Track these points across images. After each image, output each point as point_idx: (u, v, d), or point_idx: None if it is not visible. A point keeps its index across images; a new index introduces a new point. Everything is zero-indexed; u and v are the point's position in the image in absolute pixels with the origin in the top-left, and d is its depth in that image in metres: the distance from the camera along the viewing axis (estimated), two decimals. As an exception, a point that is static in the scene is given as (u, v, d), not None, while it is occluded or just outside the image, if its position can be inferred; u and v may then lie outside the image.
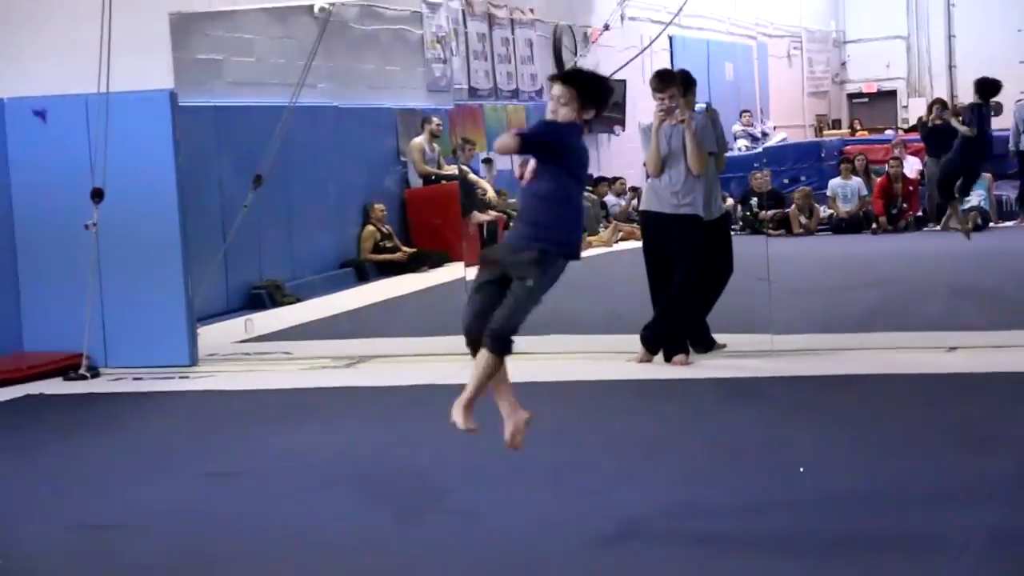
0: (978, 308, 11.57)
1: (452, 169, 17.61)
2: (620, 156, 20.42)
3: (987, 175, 19.39)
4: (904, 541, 5.43)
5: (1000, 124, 22.42)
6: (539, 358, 10.20)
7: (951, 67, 30.18)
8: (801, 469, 6.57)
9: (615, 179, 20.83)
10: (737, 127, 24.49)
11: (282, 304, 14.18)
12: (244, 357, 11.13)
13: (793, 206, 19.85)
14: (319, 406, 9.07)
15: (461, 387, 9.43)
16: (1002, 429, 7.29)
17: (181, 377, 10.31)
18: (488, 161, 18.82)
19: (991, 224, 19.14)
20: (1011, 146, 19.91)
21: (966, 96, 28.51)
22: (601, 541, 5.66)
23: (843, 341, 10.14)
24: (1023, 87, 20.19)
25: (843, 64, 31.30)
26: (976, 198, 19.13)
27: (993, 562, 5.14)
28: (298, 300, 14.45)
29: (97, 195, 10.46)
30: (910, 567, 5.11)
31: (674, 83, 9.65)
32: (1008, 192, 19.88)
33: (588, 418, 8.31)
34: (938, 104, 21.02)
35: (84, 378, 10.35)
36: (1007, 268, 14.21)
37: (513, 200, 18.72)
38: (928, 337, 10.05)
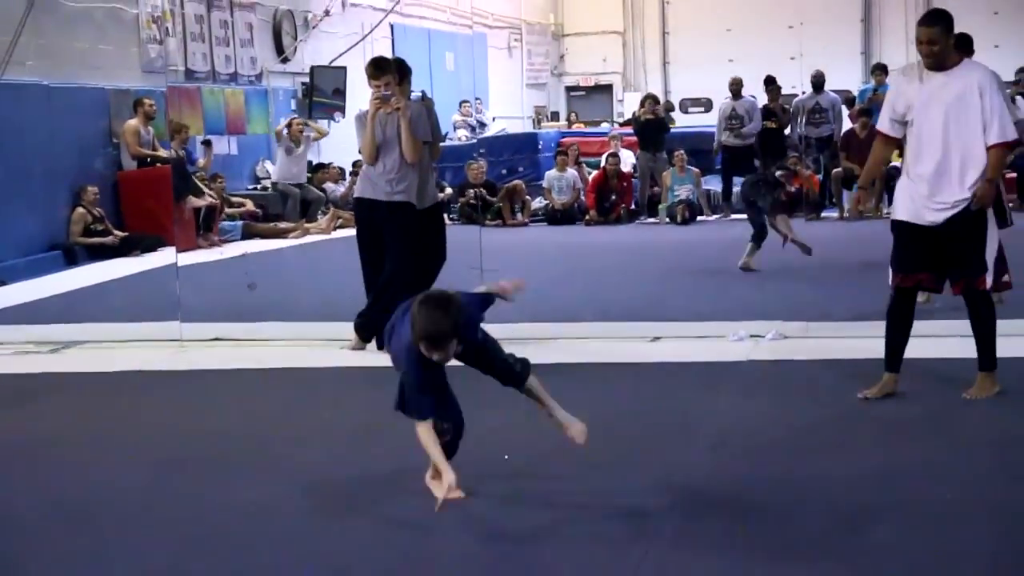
0: (682, 299, 11.96)
1: (168, 152, 17.34)
2: (339, 142, 20.38)
3: (695, 170, 20.09)
4: (603, 522, 5.58)
5: (709, 120, 23.25)
6: (255, 345, 10.15)
7: (665, 63, 31.07)
8: (506, 456, 6.68)
9: (327, 165, 20.81)
10: (456, 117, 24.71)
11: (-16, 287, 13.77)
12: (-58, 342, 10.74)
13: (505, 199, 20.15)
14: (21, 393, 8.82)
15: (169, 373, 9.34)
16: (699, 417, 7.55)
17: None
18: (207, 143, 18.59)
19: (699, 217, 19.80)
20: (715, 143, 20.66)
21: (679, 92, 29.51)
22: (317, 522, 5.66)
23: (551, 330, 10.33)
24: (728, 85, 20.90)
25: (561, 57, 31.90)
26: (685, 192, 19.77)
27: (682, 548, 5.32)
28: (3, 283, 14.05)
29: None
30: (597, 560, 5.24)
31: (389, 71, 9.69)
32: (715, 186, 20.60)
33: (301, 405, 8.29)
34: (650, 99, 21.64)
35: None
36: (710, 260, 14.70)
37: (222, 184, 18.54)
38: (634, 327, 10.32)
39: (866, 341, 8.65)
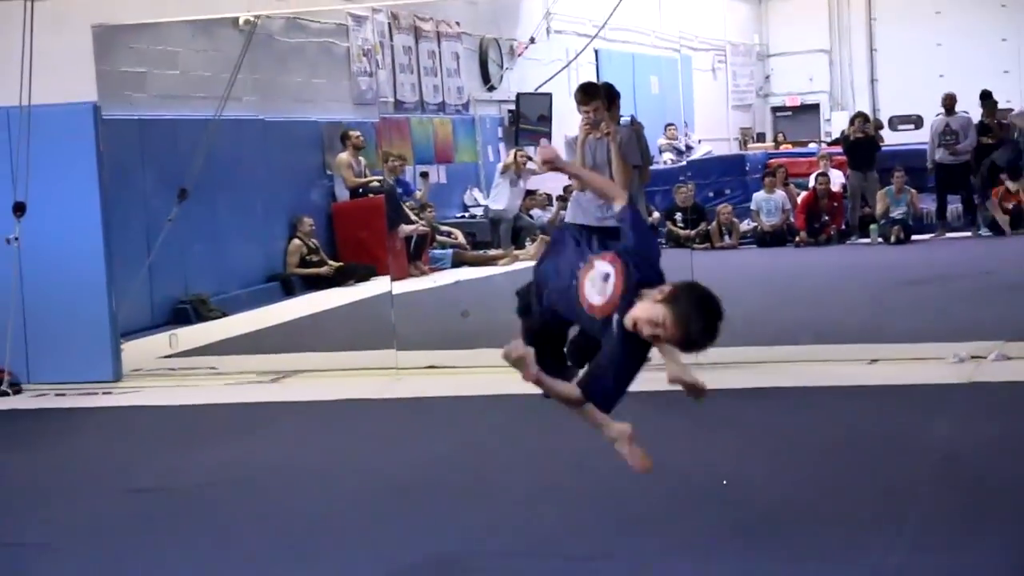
0: (899, 320, 11.71)
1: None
2: (546, 169, 20.43)
3: (913, 191, 19.68)
4: (827, 553, 5.48)
5: (920, 138, 22.76)
6: (468, 372, 10.22)
7: (872, 81, 30.52)
8: (724, 482, 6.61)
9: (533, 192, 20.88)
10: (662, 140, 24.61)
11: (207, 318, 14.11)
12: (169, 372, 11.05)
13: (715, 223, 20.03)
14: (244, 421, 9.03)
15: (385, 401, 9.47)
16: (920, 441, 7.37)
17: (104, 393, 10.23)
18: (425, 175, 18.86)
19: (913, 236, 19.38)
20: (928, 162, 20.18)
21: (887, 110, 28.95)
22: (532, 548, 5.66)
23: (767, 354, 10.21)
24: (941, 101, 20.43)
25: (767, 78, 31.56)
26: (899, 213, 19.40)
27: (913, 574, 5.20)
28: (224, 314, 14.37)
29: (19, 209, 10.37)
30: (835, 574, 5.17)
31: (598, 96, 9.68)
32: (929, 205, 20.13)
33: (515, 432, 8.32)
34: (860, 118, 21.27)
35: (6, 394, 10.25)
36: (926, 281, 14.38)
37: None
38: (850, 349, 10.15)
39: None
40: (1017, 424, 7.62)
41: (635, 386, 5.49)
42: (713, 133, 27.76)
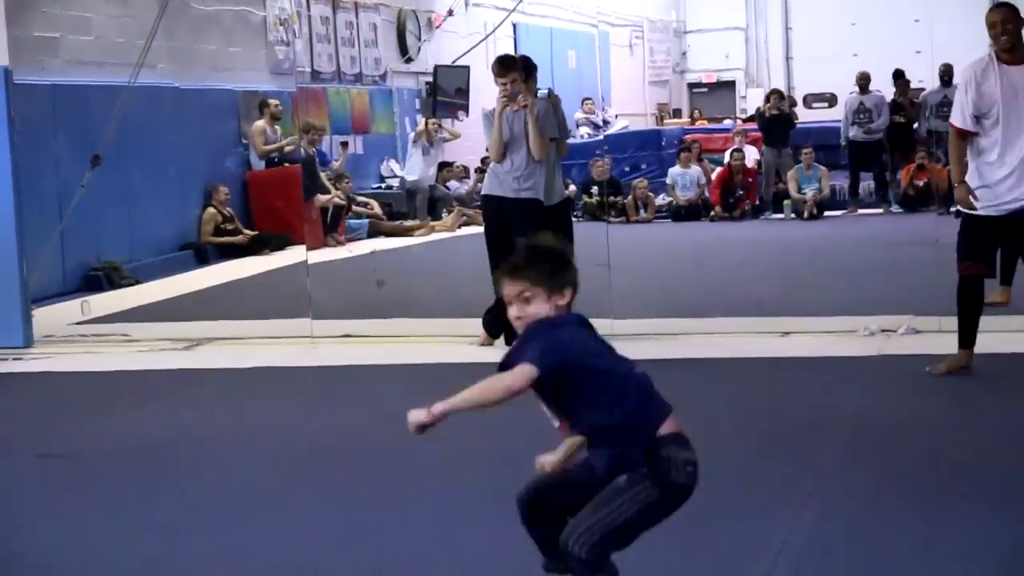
0: (811, 294, 11.85)
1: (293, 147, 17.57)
2: (464, 141, 20.48)
3: (823, 168, 19.90)
4: (737, 521, 5.55)
5: (833, 116, 22.97)
6: (383, 341, 10.24)
7: (788, 59, 30.74)
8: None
9: (451, 164, 20.90)
10: (579, 114, 24.68)
11: (121, 286, 14.03)
12: (81, 339, 10.96)
13: (630, 196, 20.14)
14: (157, 388, 8.98)
15: (299, 369, 9.44)
16: (830, 413, 7.48)
17: (15, 359, 10.12)
18: (344, 144, 18.81)
19: (826, 212, 19.60)
20: (841, 139, 20.40)
21: (802, 87, 29.19)
22: (438, 519, 5.69)
23: (681, 326, 10.31)
24: (855, 79, 20.64)
25: (683, 54, 31.70)
26: (812, 191, 19.61)
27: (818, 540, 5.28)
28: (137, 282, 14.29)
29: (-73, 173, 10.23)
30: (743, 547, 5.22)
31: (516, 68, 9.71)
32: (841, 182, 20.37)
33: (431, 400, 8.31)
34: (775, 95, 21.46)
35: (-86, 360, 10.12)
36: (838, 255, 14.54)
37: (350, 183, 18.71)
38: (764, 322, 10.26)
39: (1000, 336, 8.52)
40: (925, 396, 7.75)
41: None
42: (630, 108, 27.86)
